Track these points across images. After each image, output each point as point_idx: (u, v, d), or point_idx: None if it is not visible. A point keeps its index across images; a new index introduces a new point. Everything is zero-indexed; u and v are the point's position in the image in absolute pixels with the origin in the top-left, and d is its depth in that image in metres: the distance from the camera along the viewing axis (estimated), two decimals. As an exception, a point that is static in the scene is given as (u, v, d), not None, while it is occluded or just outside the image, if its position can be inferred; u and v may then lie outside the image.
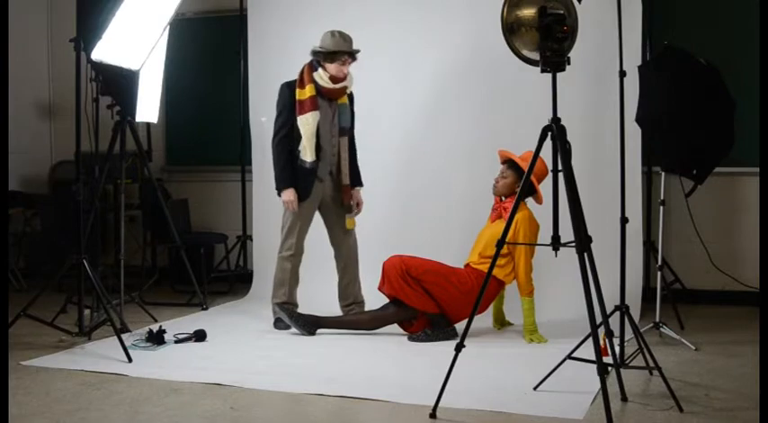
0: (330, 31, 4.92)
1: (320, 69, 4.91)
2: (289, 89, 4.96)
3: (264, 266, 6.02)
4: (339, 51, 4.86)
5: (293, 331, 4.86)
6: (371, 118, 5.60)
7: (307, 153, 4.89)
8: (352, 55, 4.92)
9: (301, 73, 4.96)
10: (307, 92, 4.90)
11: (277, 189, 4.97)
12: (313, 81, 4.91)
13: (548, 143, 3.36)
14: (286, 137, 4.94)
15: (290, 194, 4.91)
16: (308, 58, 4.97)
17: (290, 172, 4.93)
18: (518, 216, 4.55)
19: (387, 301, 4.81)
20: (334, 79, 4.92)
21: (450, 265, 4.78)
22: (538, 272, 4.74)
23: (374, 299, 4.98)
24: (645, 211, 5.40)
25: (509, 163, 4.77)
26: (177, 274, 6.23)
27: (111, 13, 4.25)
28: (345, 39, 4.91)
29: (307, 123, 4.88)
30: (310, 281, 5.23)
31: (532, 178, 4.50)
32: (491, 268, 3.55)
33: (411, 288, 4.66)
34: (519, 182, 4.66)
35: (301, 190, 4.94)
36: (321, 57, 4.90)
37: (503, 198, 4.80)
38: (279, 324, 4.99)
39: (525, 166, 4.55)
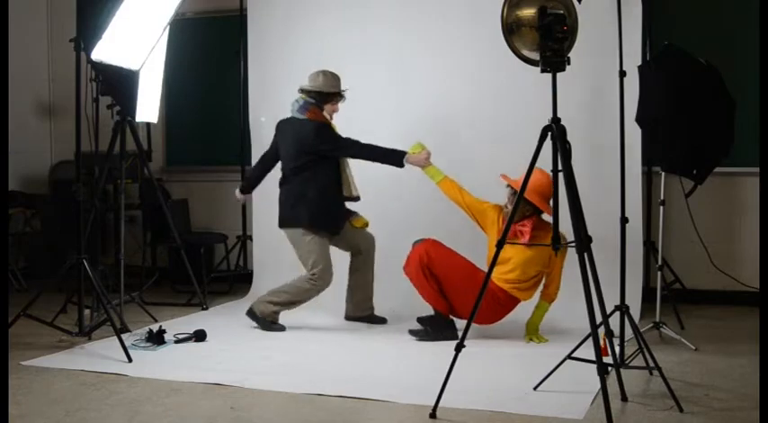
0: (321, 72, 5.02)
1: (324, 110, 5.03)
2: (329, 125, 5.03)
3: (264, 266, 6.03)
4: (335, 93, 5.01)
5: (291, 332, 4.91)
6: (370, 120, 5.61)
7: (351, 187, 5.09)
8: (342, 95, 5.06)
9: (317, 114, 4.99)
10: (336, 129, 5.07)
11: (400, 164, 4.92)
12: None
13: (548, 143, 3.36)
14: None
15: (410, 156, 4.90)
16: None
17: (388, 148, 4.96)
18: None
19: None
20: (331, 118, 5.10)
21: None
22: (538, 272, 4.74)
23: (383, 301, 4.98)
24: (645, 211, 5.41)
25: (513, 188, 4.64)
26: (177, 274, 6.23)
27: (111, 13, 4.25)
28: (336, 78, 5.03)
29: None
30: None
31: (537, 200, 4.48)
32: (489, 272, 3.54)
33: (427, 282, 4.65)
34: (527, 205, 4.53)
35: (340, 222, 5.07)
36: (316, 96, 4.99)
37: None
38: (273, 326, 5.01)
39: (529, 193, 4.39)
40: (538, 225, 4.58)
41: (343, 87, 5.05)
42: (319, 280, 4.93)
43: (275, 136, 5.22)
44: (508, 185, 4.65)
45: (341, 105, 5.09)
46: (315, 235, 4.96)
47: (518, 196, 3.50)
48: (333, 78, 5.02)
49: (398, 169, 4.97)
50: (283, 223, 5.07)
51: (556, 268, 4.63)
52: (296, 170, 5.01)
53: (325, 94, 4.99)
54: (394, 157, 4.92)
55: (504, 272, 4.61)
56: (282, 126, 5.15)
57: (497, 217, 4.73)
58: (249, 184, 5.45)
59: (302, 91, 5.03)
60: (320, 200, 4.97)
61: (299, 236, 4.98)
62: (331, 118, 5.07)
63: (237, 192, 5.49)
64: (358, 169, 5.18)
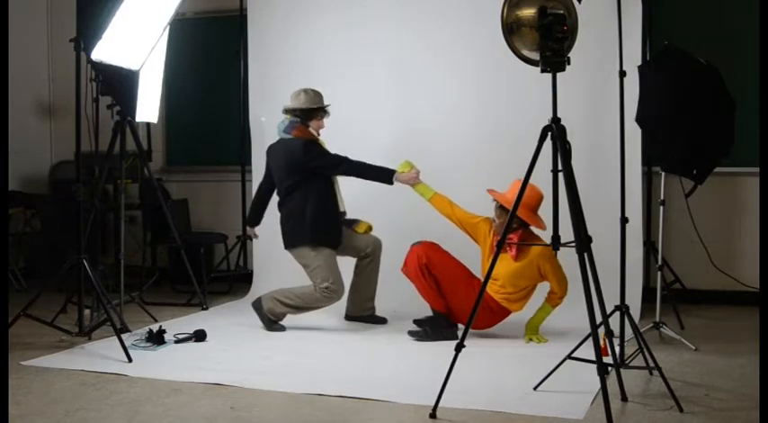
0: (302, 90, 5.04)
1: (310, 127, 5.02)
2: (316, 141, 5.04)
3: (264, 266, 6.03)
4: (318, 108, 5.01)
5: (291, 332, 4.92)
6: (370, 119, 5.61)
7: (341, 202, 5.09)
8: (326, 110, 5.06)
9: (303, 132, 5.00)
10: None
11: (390, 181, 4.93)
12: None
13: (548, 143, 3.36)
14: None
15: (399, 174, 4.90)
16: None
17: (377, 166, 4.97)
18: (535, 254, 4.52)
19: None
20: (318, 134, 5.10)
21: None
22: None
23: (385, 302, 4.97)
24: (645, 211, 5.41)
25: (499, 202, 4.63)
26: (177, 274, 6.23)
27: (111, 13, 4.25)
28: (318, 95, 5.04)
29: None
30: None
31: (525, 214, 4.45)
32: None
33: (425, 281, 4.67)
34: (515, 219, 4.44)
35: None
36: (300, 114, 5.00)
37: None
38: (274, 326, 5.02)
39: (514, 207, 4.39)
40: (525, 237, 4.59)
41: (325, 102, 5.05)
42: (333, 293, 4.94)
43: (267, 162, 5.22)
44: (494, 199, 4.65)
45: (337, 113, 5.07)
46: (320, 251, 4.96)
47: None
48: (315, 95, 5.03)
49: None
50: (288, 244, 5.07)
51: (551, 277, 4.61)
52: (289, 189, 5.02)
53: (309, 110, 5.00)
54: (383, 176, 4.93)
55: (496, 286, 4.64)
56: (272, 149, 5.17)
57: (489, 230, 4.74)
58: (253, 219, 5.42)
59: (286, 111, 5.05)
60: (318, 216, 4.97)
61: (305, 253, 4.98)
62: (318, 134, 5.07)
63: (248, 228, 5.55)
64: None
